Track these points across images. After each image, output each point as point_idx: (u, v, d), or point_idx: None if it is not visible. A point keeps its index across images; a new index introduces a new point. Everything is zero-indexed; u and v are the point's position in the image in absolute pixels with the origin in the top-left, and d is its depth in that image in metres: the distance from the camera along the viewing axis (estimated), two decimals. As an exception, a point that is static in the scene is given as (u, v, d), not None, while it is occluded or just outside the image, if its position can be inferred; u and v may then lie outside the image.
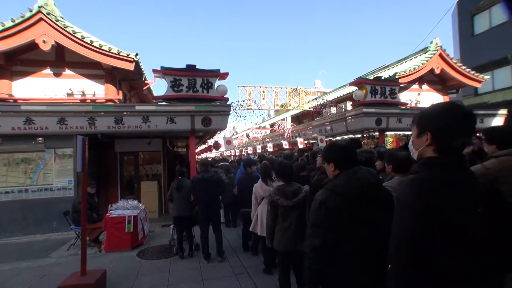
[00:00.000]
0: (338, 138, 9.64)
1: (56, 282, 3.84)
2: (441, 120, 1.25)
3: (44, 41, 7.70)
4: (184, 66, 7.89)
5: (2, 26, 7.44)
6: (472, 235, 1.14)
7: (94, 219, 6.17)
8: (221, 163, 8.46)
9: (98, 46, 7.95)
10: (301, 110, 11.30)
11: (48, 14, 7.67)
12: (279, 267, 3.47)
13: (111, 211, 6.13)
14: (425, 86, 12.35)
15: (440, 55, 11.25)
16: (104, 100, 8.44)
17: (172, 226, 5.78)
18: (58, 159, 7.45)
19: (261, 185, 4.25)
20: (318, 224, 1.74)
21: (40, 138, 7.23)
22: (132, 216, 5.99)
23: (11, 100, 7.74)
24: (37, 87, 8.35)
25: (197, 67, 7.97)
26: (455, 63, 11.62)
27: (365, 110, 9.15)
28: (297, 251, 2.87)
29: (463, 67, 11.67)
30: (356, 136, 10.06)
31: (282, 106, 10.80)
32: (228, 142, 9.14)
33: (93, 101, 8.28)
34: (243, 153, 17.04)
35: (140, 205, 6.60)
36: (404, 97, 11.19)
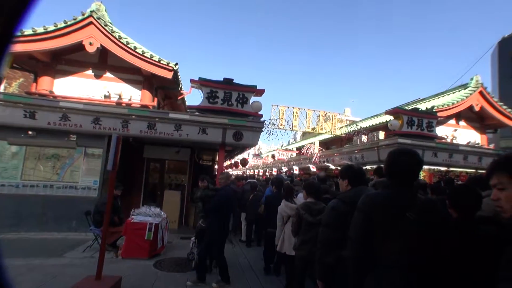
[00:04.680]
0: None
1: (68, 284, 3.65)
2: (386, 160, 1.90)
3: (90, 43, 7.99)
4: (222, 79, 7.92)
5: (55, 26, 7.85)
6: (398, 230, 1.64)
7: (115, 222, 5.95)
8: (248, 180, 8.19)
9: (140, 53, 8.16)
10: (332, 135, 11.03)
11: (99, 18, 8.04)
12: (296, 272, 3.82)
13: (133, 216, 5.96)
14: (462, 123, 11.93)
15: (481, 93, 10.92)
16: (139, 105, 8.52)
17: (193, 239, 5.48)
18: (87, 158, 7.45)
19: (286, 204, 4.35)
20: (328, 224, 2.37)
21: (73, 136, 7.26)
22: (154, 224, 5.81)
23: (51, 97, 7.92)
24: (77, 87, 8.59)
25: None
26: (496, 102, 11.20)
27: (400, 140, 8.82)
28: (313, 260, 3.20)
29: (504, 107, 11.23)
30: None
31: (313, 129, 10.59)
32: (257, 155, 8.85)
33: (128, 105, 8.36)
34: (266, 173, 16.77)
35: (162, 213, 6.43)
36: (440, 132, 10.76)
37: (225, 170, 8.10)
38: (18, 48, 7.58)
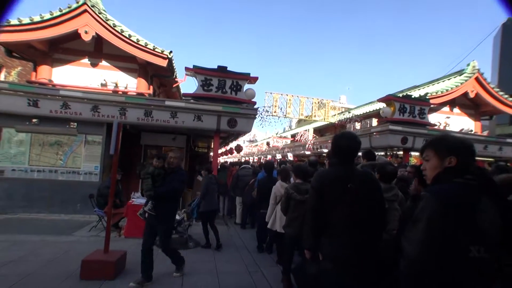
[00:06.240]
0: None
1: (79, 257, 4.07)
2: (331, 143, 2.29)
3: (86, 32, 8.12)
4: (216, 67, 8.06)
5: (51, 15, 7.95)
6: (344, 199, 2.00)
7: (116, 204, 6.37)
8: (244, 165, 8.52)
9: (135, 41, 8.28)
10: (326, 122, 11.21)
11: (93, 6, 8.10)
12: (285, 248, 4.22)
13: (133, 199, 6.32)
14: (456, 110, 11.95)
15: (477, 79, 10.83)
16: (135, 93, 8.76)
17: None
18: (88, 145, 7.81)
19: (282, 184, 4.63)
20: (311, 193, 2.51)
21: (73, 123, 7.59)
22: (154, 206, 6.16)
23: (50, 85, 8.18)
24: (74, 75, 8.82)
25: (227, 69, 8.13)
26: (492, 88, 11.14)
27: (391, 127, 8.96)
28: (301, 236, 3.50)
29: (501, 93, 11.17)
30: (379, 153, 9.84)
31: (307, 116, 10.80)
32: (251, 142, 9.11)
33: (124, 93, 8.61)
34: (261, 160, 17.22)
35: (161, 196, 6.74)
36: (433, 119, 10.84)
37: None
38: (16, 37, 7.78)
